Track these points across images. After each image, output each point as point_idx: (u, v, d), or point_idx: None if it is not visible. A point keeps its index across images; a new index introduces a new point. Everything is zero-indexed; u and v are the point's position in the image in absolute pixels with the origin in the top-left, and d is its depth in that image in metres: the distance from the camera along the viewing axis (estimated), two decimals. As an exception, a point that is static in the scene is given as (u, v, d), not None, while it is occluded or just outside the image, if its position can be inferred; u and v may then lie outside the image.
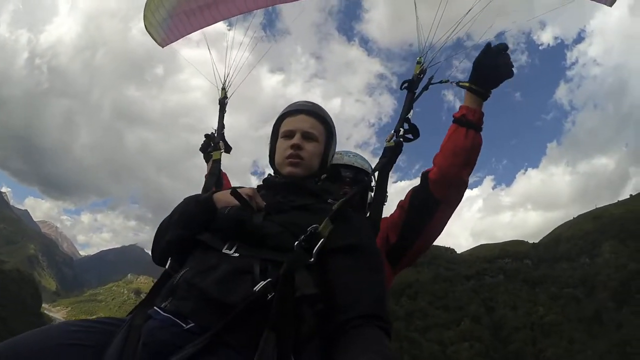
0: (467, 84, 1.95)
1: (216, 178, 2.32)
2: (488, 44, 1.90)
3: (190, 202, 1.55)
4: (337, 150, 2.10)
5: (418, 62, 2.17)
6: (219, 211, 1.47)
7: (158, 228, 1.57)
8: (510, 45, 1.89)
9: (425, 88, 2.15)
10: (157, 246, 1.53)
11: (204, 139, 2.54)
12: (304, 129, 1.74)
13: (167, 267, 1.42)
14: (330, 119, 1.86)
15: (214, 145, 2.51)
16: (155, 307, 1.22)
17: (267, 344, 1.08)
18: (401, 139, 2.02)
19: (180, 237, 1.45)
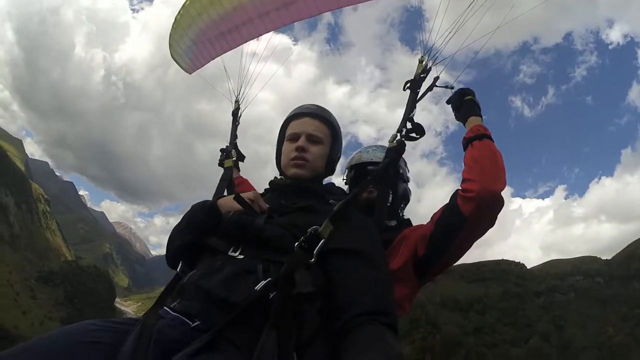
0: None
1: (227, 184, 2.41)
2: (456, 91, 2.12)
3: (197, 209, 1.61)
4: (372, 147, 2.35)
5: (420, 61, 2.17)
6: (223, 216, 1.55)
7: (170, 234, 1.65)
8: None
9: (430, 89, 2.15)
10: (169, 251, 1.61)
11: (220, 153, 2.68)
12: (308, 131, 1.77)
13: (178, 270, 1.50)
14: (336, 121, 1.89)
15: (226, 154, 2.65)
16: (165, 307, 1.31)
17: (267, 341, 1.12)
18: (404, 139, 2.02)
19: (189, 242, 1.53)
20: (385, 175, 1.96)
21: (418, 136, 2.03)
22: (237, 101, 2.85)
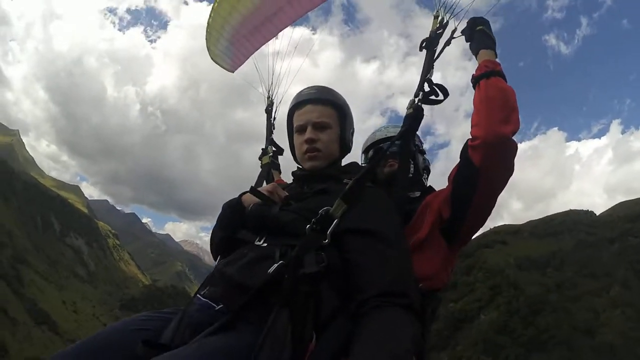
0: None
1: (264, 180, 2.50)
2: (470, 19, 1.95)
3: (225, 208, 1.74)
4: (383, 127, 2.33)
5: (435, 17, 2.02)
6: (246, 209, 1.65)
7: (210, 235, 1.79)
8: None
9: (448, 43, 1.99)
10: (211, 250, 1.74)
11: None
12: (313, 119, 1.74)
13: (216, 263, 1.62)
14: (340, 98, 1.83)
15: (263, 151, 2.72)
16: (198, 295, 1.46)
17: (277, 319, 1.21)
18: (420, 104, 1.88)
19: (223, 238, 1.65)
20: (403, 145, 1.90)
21: (439, 98, 1.90)
22: (269, 97, 2.92)
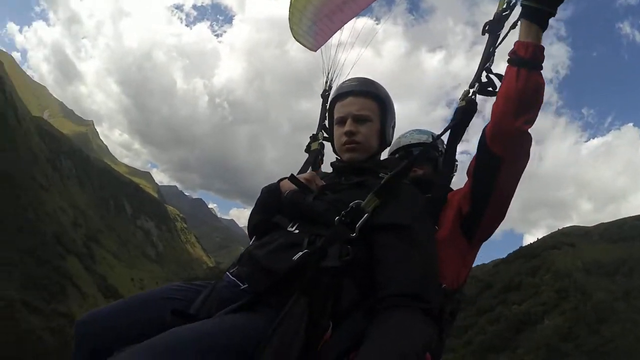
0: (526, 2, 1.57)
1: (310, 166, 2.46)
2: None
3: (264, 192, 1.77)
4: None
5: None
6: (282, 195, 1.67)
7: (249, 216, 1.81)
8: None
9: (513, 26, 1.73)
10: (249, 230, 1.78)
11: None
12: (354, 112, 1.73)
13: (250, 244, 1.67)
14: (382, 90, 1.81)
15: (313, 136, 2.64)
16: (227, 272, 1.53)
17: (295, 305, 1.22)
18: (474, 96, 1.79)
19: (259, 221, 1.70)
20: (450, 140, 1.86)
21: (497, 90, 1.73)
22: (327, 82, 2.84)
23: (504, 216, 1.74)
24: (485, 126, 1.66)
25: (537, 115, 1.57)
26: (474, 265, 1.90)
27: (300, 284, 1.26)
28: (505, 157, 1.59)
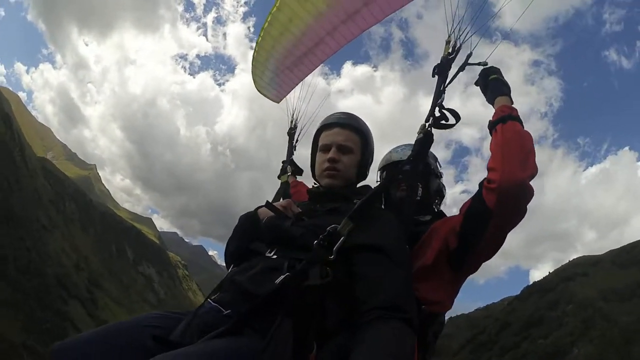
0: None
1: (281, 197, 2.68)
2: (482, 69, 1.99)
3: (242, 219, 1.82)
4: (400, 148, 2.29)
5: (447, 42, 2.04)
6: (260, 222, 1.73)
7: (226, 243, 1.84)
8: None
9: (461, 69, 2.01)
10: (225, 258, 1.82)
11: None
12: (339, 142, 1.85)
13: (229, 271, 1.68)
14: (365, 127, 1.93)
15: (282, 170, 2.92)
16: (209, 299, 1.53)
17: (280, 327, 1.24)
18: (430, 129, 1.91)
19: (237, 247, 1.74)
20: (412, 168, 1.94)
21: (450, 123, 1.94)
22: (291, 122, 3.13)
23: (494, 255, 1.78)
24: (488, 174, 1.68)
25: (532, 164, 1.60)
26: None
27: (283, 306, 1.29)
28: (496, 210, 1.60)
